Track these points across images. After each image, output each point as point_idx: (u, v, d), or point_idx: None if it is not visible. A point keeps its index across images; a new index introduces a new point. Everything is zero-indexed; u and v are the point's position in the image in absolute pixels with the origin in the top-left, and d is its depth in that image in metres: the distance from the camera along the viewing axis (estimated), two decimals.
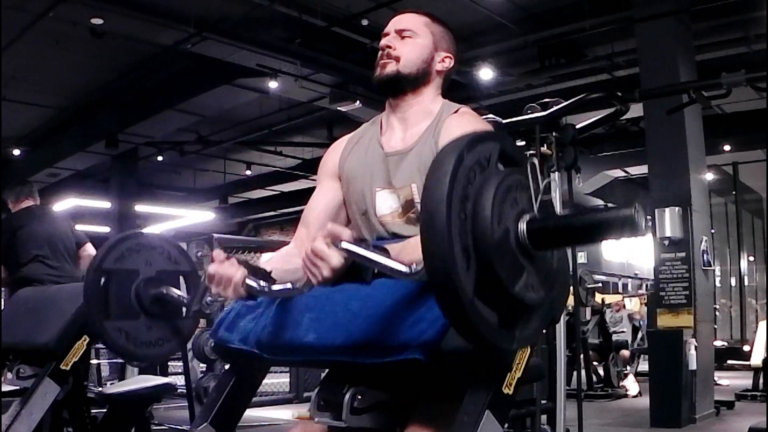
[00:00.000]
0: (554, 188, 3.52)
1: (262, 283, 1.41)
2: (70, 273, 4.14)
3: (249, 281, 1.40)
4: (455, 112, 1.63)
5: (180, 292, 1.91)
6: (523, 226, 1.17)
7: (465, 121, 1.58)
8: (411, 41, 1.64)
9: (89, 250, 4.25)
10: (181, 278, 2.11)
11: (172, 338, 2.03)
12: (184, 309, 1.94)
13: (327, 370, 1.53)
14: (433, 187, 1.10)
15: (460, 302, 1.09)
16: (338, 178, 1.71)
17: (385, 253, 1.23)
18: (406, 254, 1.33)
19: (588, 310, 8.77)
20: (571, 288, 3.11)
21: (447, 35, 1.70)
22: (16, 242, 4.13)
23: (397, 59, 1.61)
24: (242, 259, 1.43)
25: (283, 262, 1.57)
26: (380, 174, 1.63)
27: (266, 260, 1.59)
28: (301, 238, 1.66)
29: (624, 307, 9.80)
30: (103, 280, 1.95)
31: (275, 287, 1.42)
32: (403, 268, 1.19)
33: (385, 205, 1.62)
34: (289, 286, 1.39)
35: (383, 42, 1.64)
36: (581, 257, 12.65)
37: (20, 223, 4.21)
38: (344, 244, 1.24)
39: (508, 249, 1.15)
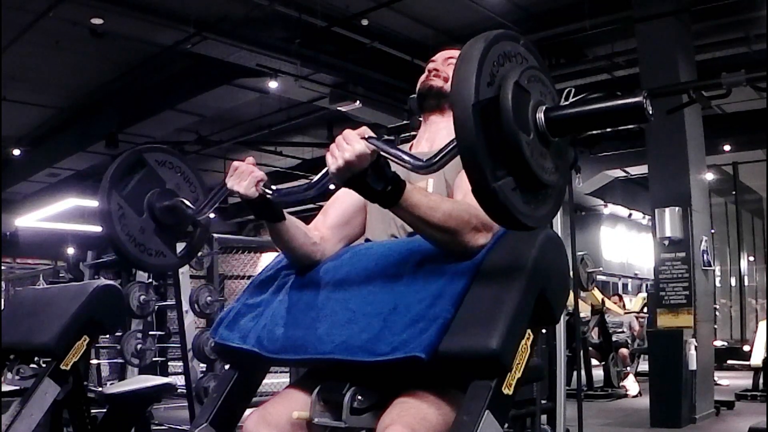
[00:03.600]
0: None
1: (274, 187, 1.59)
2: None
3: (265, 184, 1.58)
4: None
5: (190, 204, 1.88)
6: (541, 114, 1.23)
7: None
8: None
9: None
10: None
11: (165, 254, 1.95)
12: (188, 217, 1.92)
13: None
14: (462, 70, 1.17)
15: (485, 178, 1.16)
16: None
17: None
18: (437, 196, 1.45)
19: (588, 309, 8.75)
20: (572, 287, 3.10)
21: None
22: None
23: (446, 79, 1.77)
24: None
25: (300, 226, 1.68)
26: (400, 174, 1.68)
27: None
28: (316, 224, 1.76)
29: (624, 309, 9.76)
30: (134, 163, 1.90)
31: (285, 188, 1.60)
32: (418, 162, 1.34)
33: None
34: (298, 185, 1.57)
35: (432, 66, 1.84)
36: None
37: None
38: (369, 139, 1.38)
39: (529, 132, 1.21)
